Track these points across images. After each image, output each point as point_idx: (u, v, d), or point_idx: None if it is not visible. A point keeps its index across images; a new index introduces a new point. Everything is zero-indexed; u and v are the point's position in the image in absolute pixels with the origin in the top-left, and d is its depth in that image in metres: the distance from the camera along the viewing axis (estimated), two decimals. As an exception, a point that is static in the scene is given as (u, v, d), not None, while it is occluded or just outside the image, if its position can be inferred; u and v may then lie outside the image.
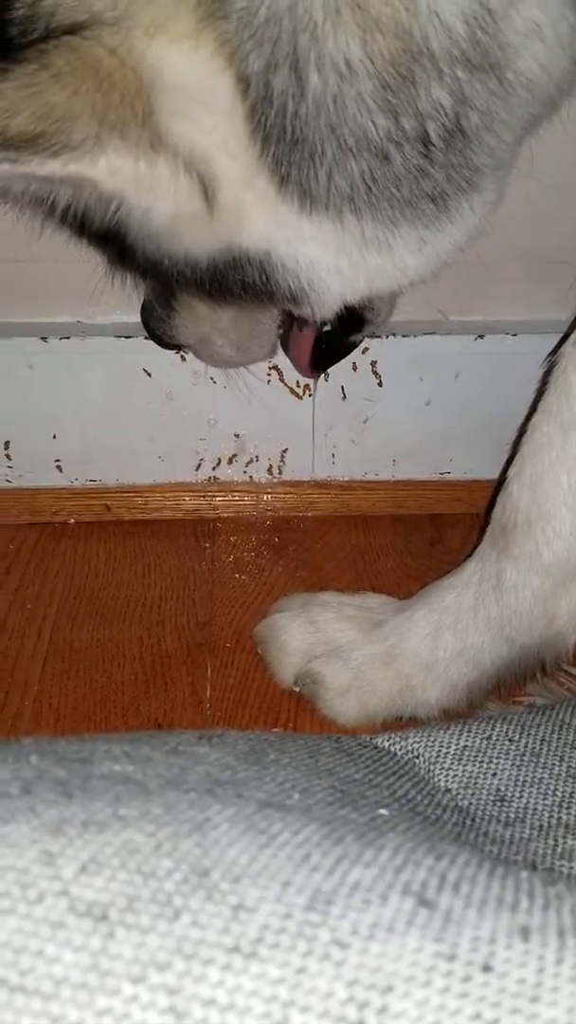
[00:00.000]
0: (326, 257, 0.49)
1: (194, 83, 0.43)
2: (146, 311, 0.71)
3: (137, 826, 0.24)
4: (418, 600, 0.69)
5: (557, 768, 0.46)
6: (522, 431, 0.65)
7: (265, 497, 0.92)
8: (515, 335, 0.86)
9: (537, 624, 0.62)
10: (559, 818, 0.42)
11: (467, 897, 0.22)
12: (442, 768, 0.47)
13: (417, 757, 0.48)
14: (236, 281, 0.51)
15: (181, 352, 0.83)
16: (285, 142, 0.44)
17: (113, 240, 0.51)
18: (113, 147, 0.42)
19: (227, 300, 0.55)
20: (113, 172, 0.43)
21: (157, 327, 0.70)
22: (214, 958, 0.20)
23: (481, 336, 0.85)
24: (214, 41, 0.42)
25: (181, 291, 0.62)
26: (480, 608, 0.64)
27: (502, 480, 0.67)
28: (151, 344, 0.82)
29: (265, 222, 0.48)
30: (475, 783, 0.45)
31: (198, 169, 0.45)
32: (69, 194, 0.46)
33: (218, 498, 0.91)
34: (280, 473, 0.91)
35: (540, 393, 0.63)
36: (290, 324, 0.72)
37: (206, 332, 0.69)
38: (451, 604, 0.66)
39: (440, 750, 0.48)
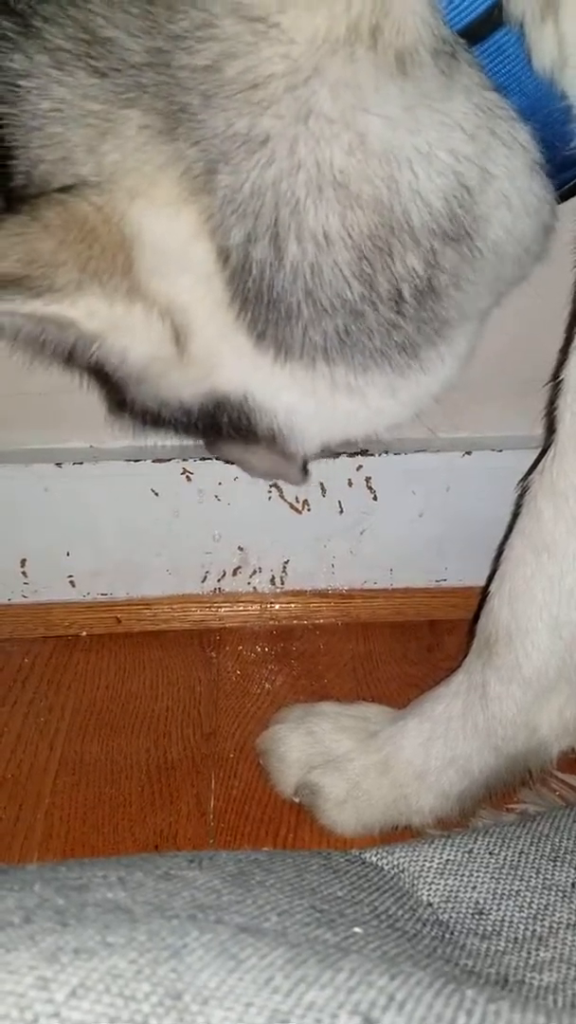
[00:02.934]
0: (301, 402, 0.52)
1: (173, 247, 0.46)
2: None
3: (122, 953, 0.27)
4: (411, 710, 0.72)
5: (533, 880, 0.48)
6: (501, 549, 0.69)
7: (268, 607, 0.96)
8: (500, 451, 0.91)
9: (521, 734, 0.65)
10: (533, 930, 0.44)
11: (409, 1015, 0.25)
12: (425, 882, 0.49)
13: (402, 871, 0.51)
14: (225, 423, 0.54)
15: (186, 473, 0.88)
16: (262, 305, 0.47)
17: (106, 378, 0.54)
18: (92, 291, 0.45)
19: (221, 439, 0.59)
20: (91, 314, 0.46)
21: (211, 448, 0.74)
22: (182, 1074, 0.23)
23: (469, 452, 0.91)
24: (196, 212, 0.45)
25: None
26: (468, 718, 0.67)
27: (486, 593, 0.71)
28: (158, 466, 0.89)
29: (241, 370, 0.50)
30: (455, 896, 0.48)
31: (172, 318, 0.48)
32: (55, 333, 0.48)
33: (223, 609, 0.95)
34: (282, 583, 0.95)
35: (515, 515, 0.68)
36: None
37: (239, 452, 0.72)
38: (441, 714, 0.69)
39: (424, 864, 0.50)
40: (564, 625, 0.61)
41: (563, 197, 0.52)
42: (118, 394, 0.56)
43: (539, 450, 0.90)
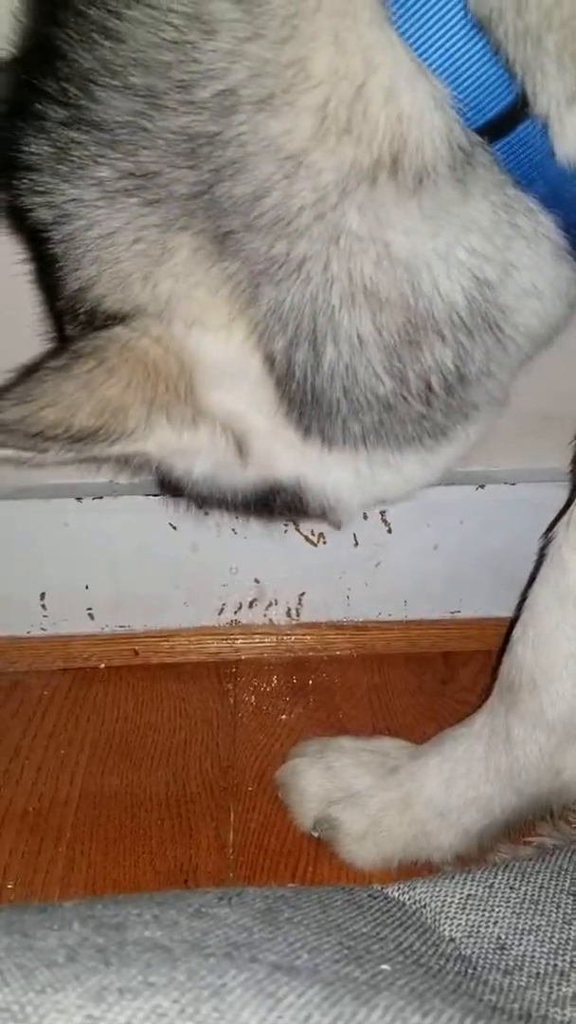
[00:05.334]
0: (346, 479, 0.56)
1: (229, 363, 0.50)
2: None
3: (164, 992, 0.28)
4: (432, 748, 0.73)
5: (554, 915, 0.49)
6: (524, 596, 0.70)
7: (284, 639, 0.96)
8: (513, 484, 0.92)
9: (544, 777, 0.66)
10: (555, 965, 0.45)
11: (442, 1054, 0.26)
12: (447, 917, 0.50)
13: (424, 907, 0.51)
14: (277, 504, 0.58)
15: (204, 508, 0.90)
16: (307, 403, 0.51)
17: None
18: (160, 426, 0.49)
19: (272, 515, 0.62)
20: (160, 446, 0.50)
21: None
22: None
23: (482, 486, 0.92)
24: (245, 327, 0.49)
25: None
26: (491, 760, 0.68)
27: (510, 630, 0.72)
28: (175, 501, 0.90)
29: (294, 461, 0.55)
30: (477, 932, 0.49)
31: (232, 428, 0.52)
32: (118, 459, 0.53)
33: (239, 640, 0.96)
34: (298, 615, 0.96)
35: (539, 563, 0.69)
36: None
37: None
38: (463, 754, 0.70)
39: (445, 899, 0.51)
40: None
41: None
42: (171, 482, 0.59)
43: (552, 484, 0.92)
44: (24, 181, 0.49)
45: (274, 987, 0.29)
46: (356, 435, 0.53)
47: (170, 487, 0.60)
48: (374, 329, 0.48)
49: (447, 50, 0.41)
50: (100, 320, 0.49)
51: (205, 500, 0.60)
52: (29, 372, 0.49)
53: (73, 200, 0.47)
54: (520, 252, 0.48)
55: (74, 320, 0.52)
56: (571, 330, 0.71)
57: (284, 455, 0.54)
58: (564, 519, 0.65)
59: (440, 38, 0.41)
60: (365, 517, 0.92)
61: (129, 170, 0.46)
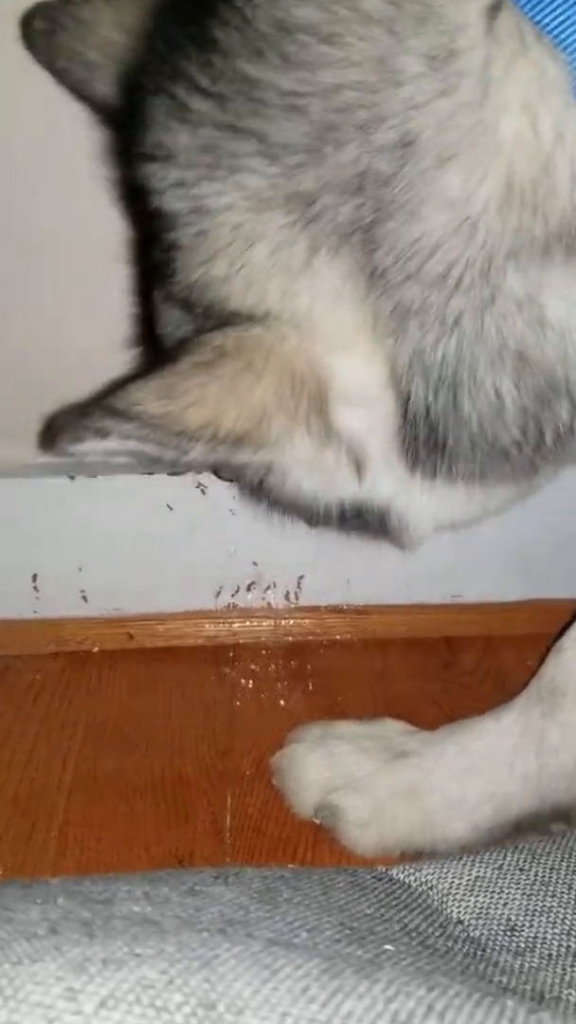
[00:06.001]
0: (432, 509, 0.57)
1: (362, 388, 0.50)
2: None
3: (152, 963, 0.26)
4: (448, 738, 0.71)
5: (566, 896, 0.47)
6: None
7: (282, 623, 0.94)
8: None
9: (574, 787, 0.65)
10: (567, 947, 0.43)
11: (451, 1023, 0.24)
12: (454, 899, 0.48)
13: (431, 889, 0.49)
14: (355, 520, 0.58)
15: (201, 487, 0.88)
16: (429, 443, 0.51)
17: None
18: (299, 437, 0.49)
19: (342, 527, 0.61)
20: (295, 461, 0.51)
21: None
22: None
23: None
24: (385, 362, 0.49)
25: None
26: (517, 761, 0.67)
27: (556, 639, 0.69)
28: (173, 480, 0.88)
29: (393, 488, 0.55)
30: (486, 914, 0.46)
31: (355, 451, 0.52)
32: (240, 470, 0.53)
33: (237, 624, 0.94)
34: (297, 599, 0.94)
35: None
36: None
37: None
38: (484, 749, 0.68)
39: (453, 881, 0.49)
40: None
41: None
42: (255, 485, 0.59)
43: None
44: (156, 160, 0.49)
45: (270, 959, 0.27)
46: (462, 473, 0.53)
47: (239, 481, 0.60)
48: (514, 387, 0.49)
49: None
50: (223, 316, 0.49)
51: (277, 503, 0.59)
52: (154, 361, 0.49)
53: (215, 198, 0.47)
54: None
55: (189, 309, 0.51)
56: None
57: (386, 480, 0.55)
58: None
59: None
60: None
61: (285, 187, 0.46)
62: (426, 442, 0.51)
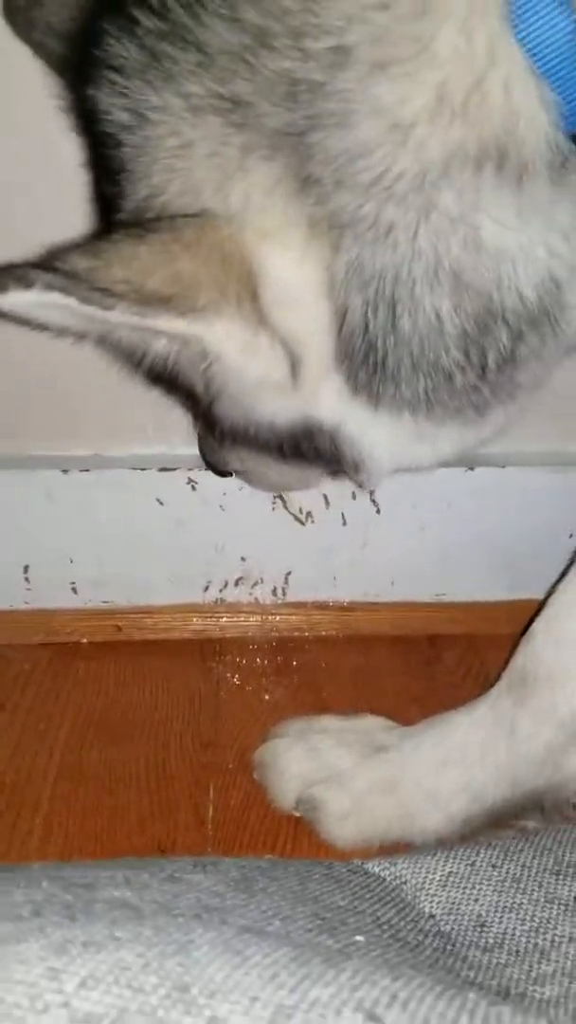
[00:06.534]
0: (384, 441, 0.57)
1: (295, 289, 0.50)
2: (201, 441, 0.77)
3: (130, 947, 0.27)
4: (426, 731, 0.72)
5: (536, 893, 0.48)
6: (552, 588, 0.70)
7: (269, 618, 0.96)
8: (503, 467, 0.91)
9: (544, 772, 0.66)
10: (535, 943, 0.44)
11: (412, 1013, 0.25)
12: (427, 894, 0.49)
13: (404, 883, 0.50)
14: (309, 446, 0.59)
15: (191, 483, 0.89)
16: (366, 363, 0.52)
17: (185, 390, 0.58)
18: (228, 315, 0.49)
19: (299, 460, 0.62)
20: (226, 336, 0.50)
21: (210, 456, 0.77)
22: (190, 1066, 0.23)
23: (471, 468, 0.91)
24: (318, 268, 0.50)
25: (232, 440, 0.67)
26: (489, 750, 0.68)
27: (519, 615, 0.71)
28: (163, 475, 0.89)
29: (337, 406, 0.55)
30: (457, 909, 0.48)
31: (290, 348, 0.52)
32: (167, 348, 0.52)
33: (224, 619, 0.95)
34: (284, 595, 0.95)
35: (572, 560, 0.69)
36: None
37: (253, 465, 0.74)
38: (459, 741, 0.69)
39: (426, 876, 0.50)
40: None
41: None
42: (201, 410, 0.59)
43: (542, 467, 0.92)
44: (105, 80, 0.50)
45: (242, 946, 0.29)
46: (406, 399, 0.54)
47: (206, 418, 0.60)
48: (451, 309, 0.50)
49: (557, 57, 0.44)
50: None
51: (237, 436, 0.60)
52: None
53: (156, 108, 0.49)
54: None
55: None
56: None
57: (330, 396, 0.55)
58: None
59: (552, 44, 0.44)
60: (354, 497, 0.91)
61: (220, 93, 0.47)
62: (364, 360, 0.52)
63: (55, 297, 0.44)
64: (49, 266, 0.45)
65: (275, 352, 0.52)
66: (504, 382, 0.55)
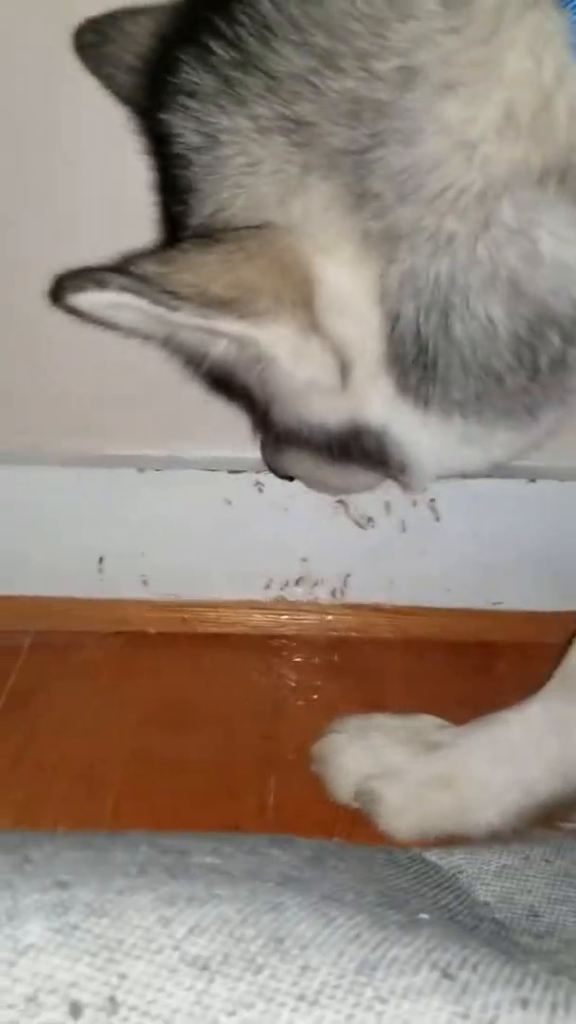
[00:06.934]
0: (431, 444, 0.59)
1: (348, 298, 0.53)
2: (263, 447, 0.80)
3: (229, 903, 0.31)
4: (480, 728, 0.75)
5: (586, 889, 0.51)
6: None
7: (328, 618, 0.98)
8: (564, 480, 0.93)
9: None
10: (585, 934, 0.47)
11: (482, 975, 0.29)
12: (482, 883, 0.52)
13: (461, 872, 0.53)
14: (357, 448, 0.61)
15: (258, 485, 0.92)
16: (417, 365, 0.54)
17: (243, 393, 0.61)
18: (284, 320, 0.52)
19: (348, 462, 0.64)
20: (280, 339, 0.53)
21: (269, 460, 0.80)
22: (286, 1003, 0.27)
23: (533, 480, 0.93)
24: (372, 277, 0.52)
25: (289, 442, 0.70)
26: (543, 745, 0.70)
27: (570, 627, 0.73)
28: (231, 477, 0.93)
29: (385, 409, 0.58)
30: (511, 899, 0.51)
31: (341, 353, 0.55)
32: (225, 350, 0.55)
33: (284, 616, 0.98)
34: (343, 596, 0.98)
35: None
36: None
37: (310, 468, 0.76)
38: (512, 738, 0.72)
39: (482, 867, 0.53)
40: None
41: None
42: (259, 413, 0.62)
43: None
44: (179, 105, 0.53)
45: (326, 908, 0.32)
46: (456, 402, 0.56)
47: (263, 421, 0.62)
48: (505, 315, 0.52)
49: None
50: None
51: (291, 438, 0.62)
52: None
53: (226, 130, 0.52)
54: None
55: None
56: None
57: (378, 399, 0.57)
58: None
59: None
60: (415, 504, 0.94)
61: (286, 114, 0.50)
62: (415, 363, 0.54)
63: (128, 298, 0.48)
64: (123, 270, 0.49)
65: (326, 356, 0.54)
66: (555, 384, 0.56)
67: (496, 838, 0.71)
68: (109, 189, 0.79)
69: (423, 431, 0.58)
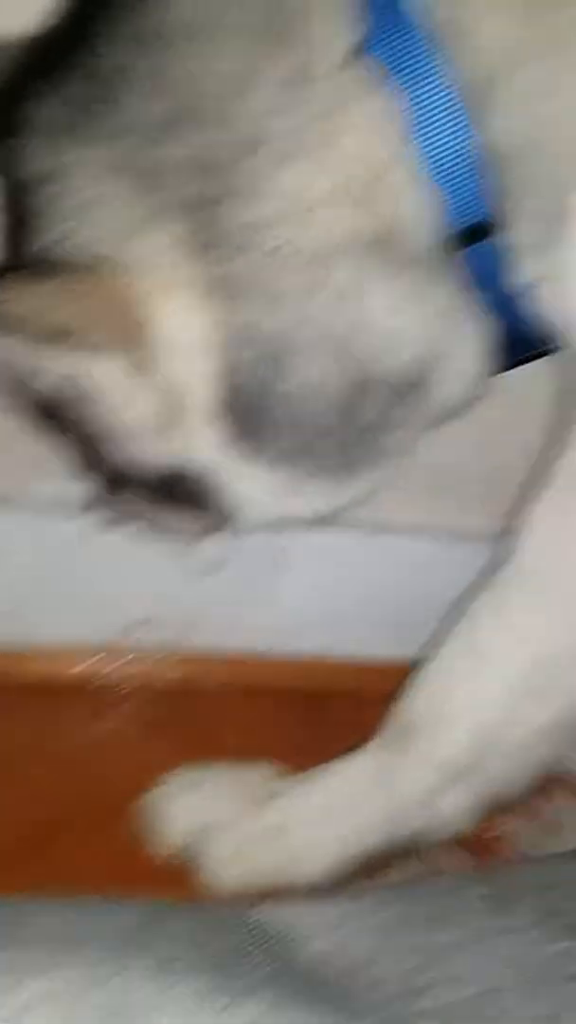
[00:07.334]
0: (257, 492, 0.61)
1: (182, 343, 0.54)
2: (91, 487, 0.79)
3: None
4: (310, 780, 0.75)
5: (413, 940, 0.52)
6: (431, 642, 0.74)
7: (163, 665, 0.95)
8: (407, 535, 0.96)
9: (422, 815, 0.70)
10: (415, 983, 0.48)
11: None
12: (316, 935, 0.52)
13: (292, 927, 0.53)
14: (183, 492, 0.62)
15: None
16: (247, 417, 0.56)
17: (72, 431, 0.61)
18: (116, 357, 0.53)
19: (176, 505, 0.65)
20: (109, 375, 0.54)
21: (100, 502, 0.77)
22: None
23: (375, 534, 0.95)
24: (208, 325, 0.54)
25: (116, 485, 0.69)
26: (370, 795, 0.71)
27: (390, 675, 0.75)
28: (65, 520, 0.88)
29: (213, 455, 0.59)
30: (345, 949, 0.51)
31: (174, 395, 0.56)
32: (55, 383, 0.56)
33: (118, 663, 0.94)
34: (179, 642, 0.96)
35: (456, 607, 0.74)
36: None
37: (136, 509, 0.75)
38: (341, 789, 0.73)
39: (312, 919, 0.53)
40: (482, 725, 0.69)
41: (514, 364, 0.63)
42: (89, 452, 0.63)
43: (445, 539, 0.97)
44: (29, 133, 0.54)
45: (164, 975, 0.31)
46: (282, 453, 0.58)
47: (94, 460, 0.63)
48: (334, 375, 0.55)
49: (451, 162, 0.51)
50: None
51: (116, 474, 0.63)
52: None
53: (75, 162, 0.53)
54: (461, 343, 0.57)
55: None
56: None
57: (204, 447, 0.59)
58: (484, 579, 0.71)
59: (446, 150, 0.51)
60: (258, 554, 0.94)
61: (136, 158, 0.52)
62: (246, 414, 0.56)
63: None
64: None
65: (157, 397, 0.56)
66: (372, 444, 0.60)
67: (320, 890, 0.71)
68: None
69: (250, 480, 0.60)
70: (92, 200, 0.53)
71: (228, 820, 0.75)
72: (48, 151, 0.54)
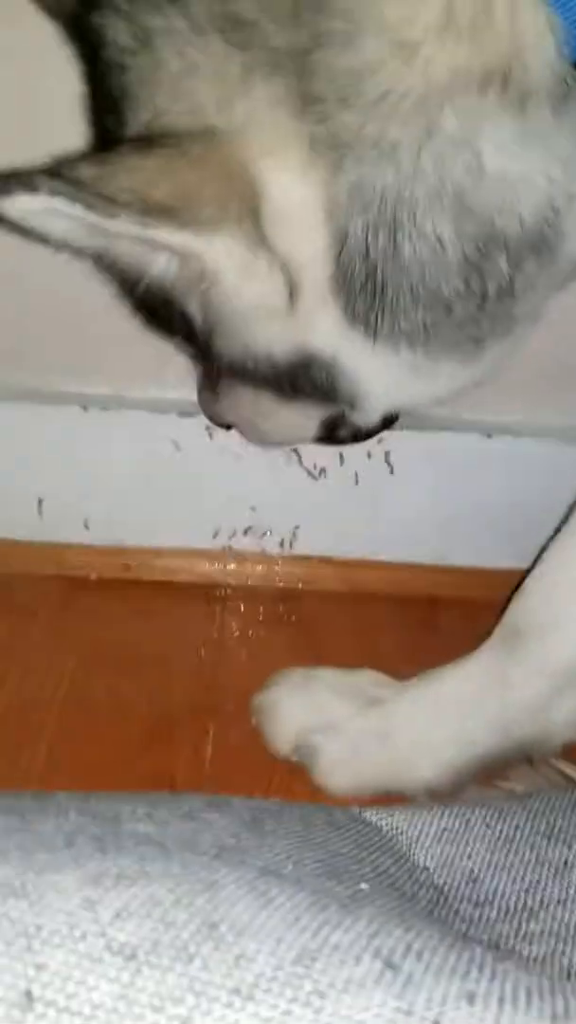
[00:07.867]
0: (380, 376, 0.58)
1: (296, 209, 0.51)
2: (200, 391, 0.78)
3: (160, 882, 0.29)
4: (420, 684, 0.74)
5: (527, 855, 0.50)
6: (546, 545, 0.71)
7: (275, 569, 0.97)
8: (520, 437, 0.92)
9: (533, 722, 0.68)
10: (524, 903, 0.47)
11: (427, 964, 0.27)
12: (422, 847, 0.51)
13: (401, 834, 0.53)
14: (306, 381, 0.59)
15: (209, 430, 0.89)
16: (365, 290, 0.52)
17: (182, 323, 0.58)
18: (229, 232, 0.49)
19: (295, 397, 0.62)
20: (227, 253, 0.50)
21: (207, 407, 0.78)
22: (219, 997, 0.25)
23: (489, 435, 0.92)
24: (319, 188, 0.50)
25: (228, 380, 0.68)
26: (481, 700, 0.70)
27: (513, 580, 0.72)
28: (182, 420, 0.89)
29: (334, 337, 0.56)
30: (450, 863, 0.50)
31: (288, 272, 0.52)
32: (165, 266, 0.52)
33: (231, 565, 0.96)
34: (291, 547, 0.96)
35: (564, 519, 0.70)
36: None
37: (251, 411, 0.74)
38: (452, 693, 0.71)
39: (421, 829, 0.52)
40: None
41: None
42: (200, 344, 0.59)
43: (558, 440, 0.92)
44: (110, 6, 0.50)
45: (265, 887, 0.30)
46: (403, 332, 0.54)
47: (204, 354, 0.60)
48: (453, 235, 0.50)
49: None
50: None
51: (235, 371, 0.60)
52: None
53: (161, 30, 0.49)
54: None
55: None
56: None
57: (326, 326, 0.55)
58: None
59: None
60: (369, 456, 0.92)
61: (223, 13, 0.48)
62: (363, 289, 0.52)
63: (60, 203, 0.44)
64: (55, 172, 0.45)
65: (274, 275, 0.52)
66: (502, 314, 0.55)
67: (433, 796, 0.71)
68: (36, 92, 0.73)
69: (372, 362, 0.56)
70: (185, 67, 0.49)
71: (338, 722, 0.75)
72: (130, 23, 0.50)
